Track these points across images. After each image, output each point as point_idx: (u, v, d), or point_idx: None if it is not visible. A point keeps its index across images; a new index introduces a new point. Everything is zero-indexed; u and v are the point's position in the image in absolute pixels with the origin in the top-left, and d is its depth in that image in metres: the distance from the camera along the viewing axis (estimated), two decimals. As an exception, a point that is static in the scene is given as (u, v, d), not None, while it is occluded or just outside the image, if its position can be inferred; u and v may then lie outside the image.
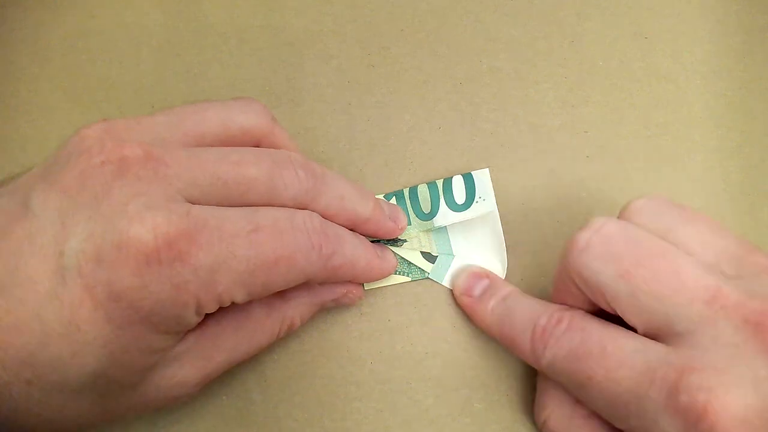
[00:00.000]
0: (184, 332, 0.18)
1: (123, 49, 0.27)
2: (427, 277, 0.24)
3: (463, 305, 0.23)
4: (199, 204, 0.18)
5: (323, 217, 0.20)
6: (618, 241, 0.18)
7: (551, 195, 0.25)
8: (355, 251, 0.21)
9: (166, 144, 0.19)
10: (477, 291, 0.23)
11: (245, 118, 0.21)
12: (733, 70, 0.27)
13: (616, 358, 0.17)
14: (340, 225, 0.21)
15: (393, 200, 0.25)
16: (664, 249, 0.18)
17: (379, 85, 0.27)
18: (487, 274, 0.24)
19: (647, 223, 0.19)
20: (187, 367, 0.19)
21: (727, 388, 0.15)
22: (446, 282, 0.24)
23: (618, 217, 0.20)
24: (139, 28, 0.28)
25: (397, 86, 0.27)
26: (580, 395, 0.19)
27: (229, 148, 0.19)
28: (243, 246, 0.17)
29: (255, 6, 0.28)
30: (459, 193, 0.25)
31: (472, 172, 0.25)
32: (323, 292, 0.22)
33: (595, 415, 0.19)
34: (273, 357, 0.23)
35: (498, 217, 0.25)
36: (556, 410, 0.20)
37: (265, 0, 0.28)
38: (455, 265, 0.24)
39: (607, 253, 0.18)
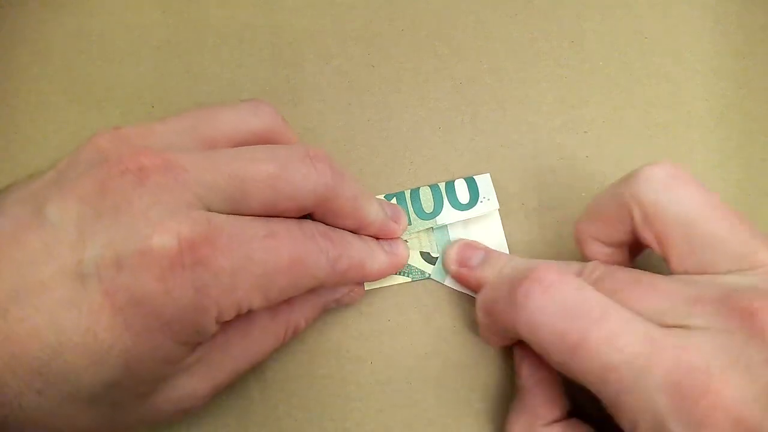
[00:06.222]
0: (198, 344, 0.18)
1: (123, 49, 0.27)
2: (429, 278, 0.24)
3: (459, 276, 0.23)
4: (218, 207, 0.18)
5: (335, 216, 0.21)
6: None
7: (551, 195, 0.25)
8: (361, 252, 0.21)
9: (181, 150, 0.19)
10: (474, 261, 0.23)
11: (256, 120, 0.21)
12: (733, 70, 0.27)
13: (618, 324, 0.16)
14: (349, 225, 0.21)
15: (393, 200, 0.25)
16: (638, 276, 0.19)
17: (379, 85, 0.27)
18: (482, 247, 0.24)
19: (667, 203, 0.18)
20: (196, 378, 0.19)
21: (725, 370, 0.15)
22: (448, 282, 0.24)
23: (628, 180, 0.19)
24: (139, 28, 0.28)
25: (397, 86, 0.27)
26: (564, 360, 0.17)
27: (243, 147, 0.19)
28: (260, 250, 0.17)
29: (255, 6, 0.28)
30: (462, 194, 0.25)
31: (474, 176, 0.25)
32: (326, 293, 0.22)
33: (556, 423, 0.20)
34: (273, 357, 0.23)
35: (499, 217, 0.25)
36: (520, 419, 0.21)
37: (265, 0, 0.28)
38: None
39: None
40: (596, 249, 0.21)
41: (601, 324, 0.16)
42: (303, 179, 0.19)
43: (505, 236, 0.25)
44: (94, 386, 0.16)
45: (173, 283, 0.16)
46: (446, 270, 0.24)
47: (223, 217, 0.17)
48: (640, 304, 0.17)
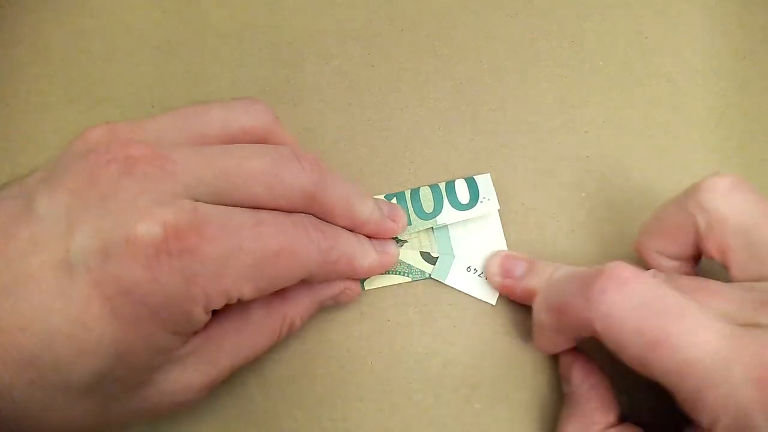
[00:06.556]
0: (190, 334, 0.18)
1: (123, 49, 0.27)
2: (430, 277, 0.24)
3: (504, 287, 0.23)
4: (206, 200, 0.18)
5: (327, 215, 0.21)
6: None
7: (551, 195, 0.25)
8: (352, 246, 0.21)
9: (170, 144, 0.19)
10: (518, 272, 0.23)
11: (248, 118, 0.21)
12: (733, 70, 0.27)
13: (696, 320, 0.16)
14: (342, 225, 0.21)
15: (393, 200, 0.25)
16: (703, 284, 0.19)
17: (379, 85, 0.27)
18: (523, 256, 0.24)
19: (728, 210, 0.19)
20: (190, 371, 0.19)
21: None
22: (449, 281, 0.24)
23: (691, 191, 0.20)
24: (139, 28, 0.28)
25: (397, 86, 0.27)
26: (642, 356, 0.17)
27: (233, 144, 0.20)
28: (248, 238, 0.17)
29: (255, 6, 0.28)
30: (463, 194, 0.25)
31: (475, 176, 0.25)
32: (321, 290, 0.22)
33: (612, 428, 0.20)
34: (273, 357, 0.23)
35: (498, 217, 0.25)
36: (574, 426, 0.20)
37: (265, 0, 0.28)
38: (456, 265, 0.24)
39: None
40: (662, 263, 0.21)
41: (681, 320, 0.16)
42: (292, 177, 0.19)
43: (505, 236, 0.25)
44: (86, 377, 0.16)
45: (160, 271, 0.16)
46: (490, 283, 0.24)
47: (211, 206, 0.17)
48: (707, 306, 0.17)
